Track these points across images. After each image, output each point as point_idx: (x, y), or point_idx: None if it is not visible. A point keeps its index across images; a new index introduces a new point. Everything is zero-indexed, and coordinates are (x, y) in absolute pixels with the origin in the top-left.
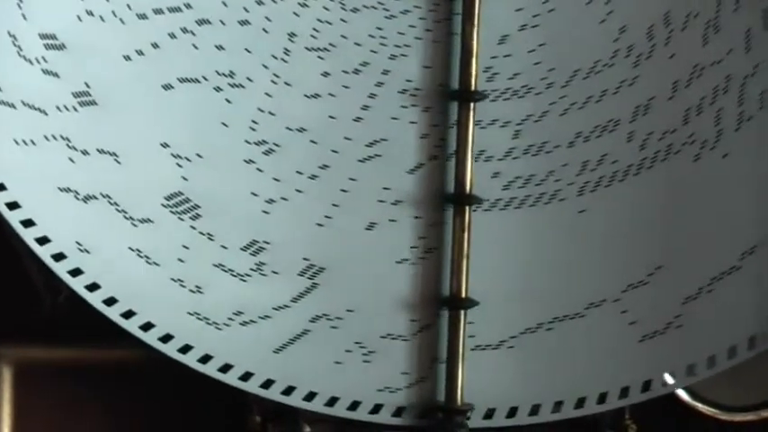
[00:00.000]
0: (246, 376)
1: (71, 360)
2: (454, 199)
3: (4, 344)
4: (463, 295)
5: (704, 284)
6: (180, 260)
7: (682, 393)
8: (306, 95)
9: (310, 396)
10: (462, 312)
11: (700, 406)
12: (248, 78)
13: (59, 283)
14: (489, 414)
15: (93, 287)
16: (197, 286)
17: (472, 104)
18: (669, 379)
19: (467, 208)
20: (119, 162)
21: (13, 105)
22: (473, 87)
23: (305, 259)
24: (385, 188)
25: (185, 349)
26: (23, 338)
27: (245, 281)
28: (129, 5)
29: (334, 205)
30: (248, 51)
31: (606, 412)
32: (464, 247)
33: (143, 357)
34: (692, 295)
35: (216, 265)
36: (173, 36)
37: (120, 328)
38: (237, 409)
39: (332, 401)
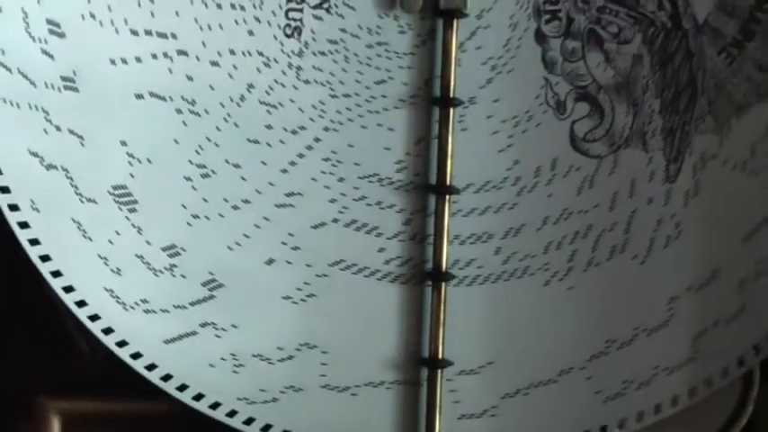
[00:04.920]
0: (136, 355)
1: (116, 412)
2: (432, 276)
3: (53, 396)
4: (440, 357)
5: (523, 387)
6: (110, 242)
7: None
8: (248, 139)
9: (182, 387)
10: (439, 372)
11: None
12: (206, 110)
13: (97, 343)
14: None
15: (34, 242)
16: (117, 268)
17: (448, 196)
18: None
19: (443, 284)
20: (83, 145)
21: (9, 69)
22: (448, 183)
23: (210, 273)
24: (290, 234)
25: (94, 318)
26: (71, 391)
27: (157, 276)
28: (126, 20)
29: (245, 235)
30: (212, 88)
31: None
32: (440, 317)
33: (183, 410)
34: (511, 393)
35: (137, 256)
36: (154, 57)
37: (155, 387)
38: None
39: (198, 397)
